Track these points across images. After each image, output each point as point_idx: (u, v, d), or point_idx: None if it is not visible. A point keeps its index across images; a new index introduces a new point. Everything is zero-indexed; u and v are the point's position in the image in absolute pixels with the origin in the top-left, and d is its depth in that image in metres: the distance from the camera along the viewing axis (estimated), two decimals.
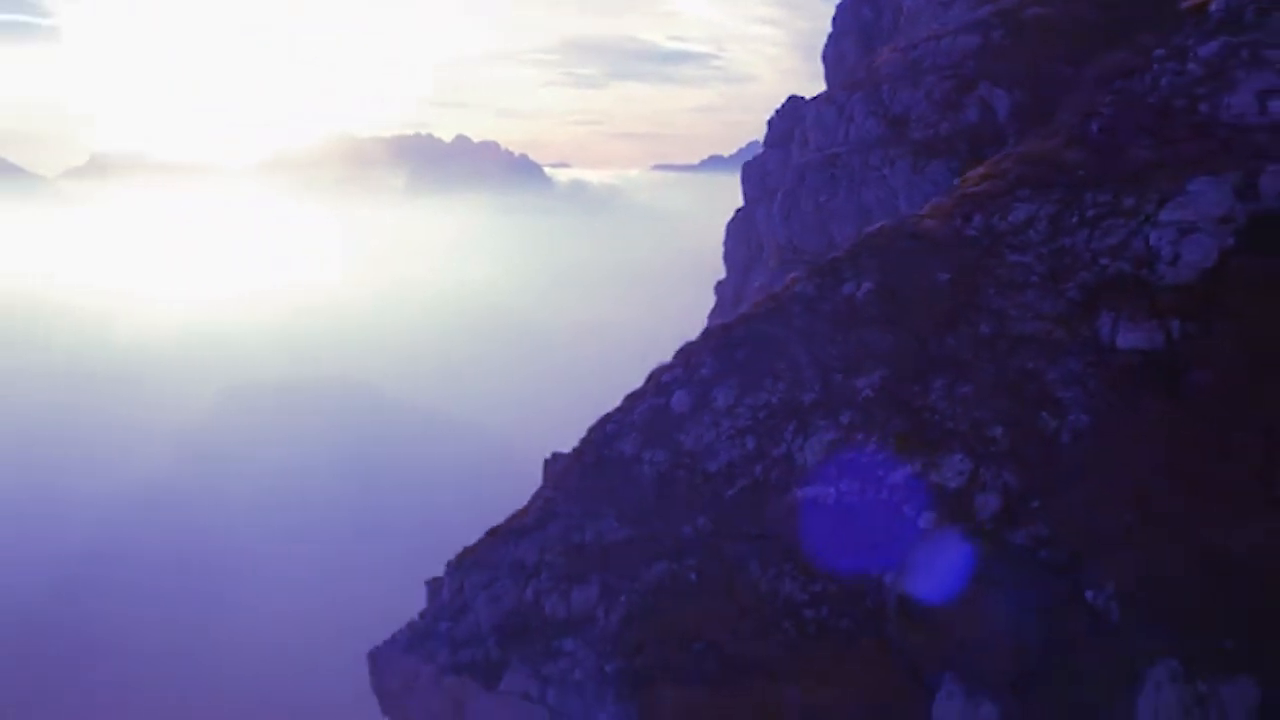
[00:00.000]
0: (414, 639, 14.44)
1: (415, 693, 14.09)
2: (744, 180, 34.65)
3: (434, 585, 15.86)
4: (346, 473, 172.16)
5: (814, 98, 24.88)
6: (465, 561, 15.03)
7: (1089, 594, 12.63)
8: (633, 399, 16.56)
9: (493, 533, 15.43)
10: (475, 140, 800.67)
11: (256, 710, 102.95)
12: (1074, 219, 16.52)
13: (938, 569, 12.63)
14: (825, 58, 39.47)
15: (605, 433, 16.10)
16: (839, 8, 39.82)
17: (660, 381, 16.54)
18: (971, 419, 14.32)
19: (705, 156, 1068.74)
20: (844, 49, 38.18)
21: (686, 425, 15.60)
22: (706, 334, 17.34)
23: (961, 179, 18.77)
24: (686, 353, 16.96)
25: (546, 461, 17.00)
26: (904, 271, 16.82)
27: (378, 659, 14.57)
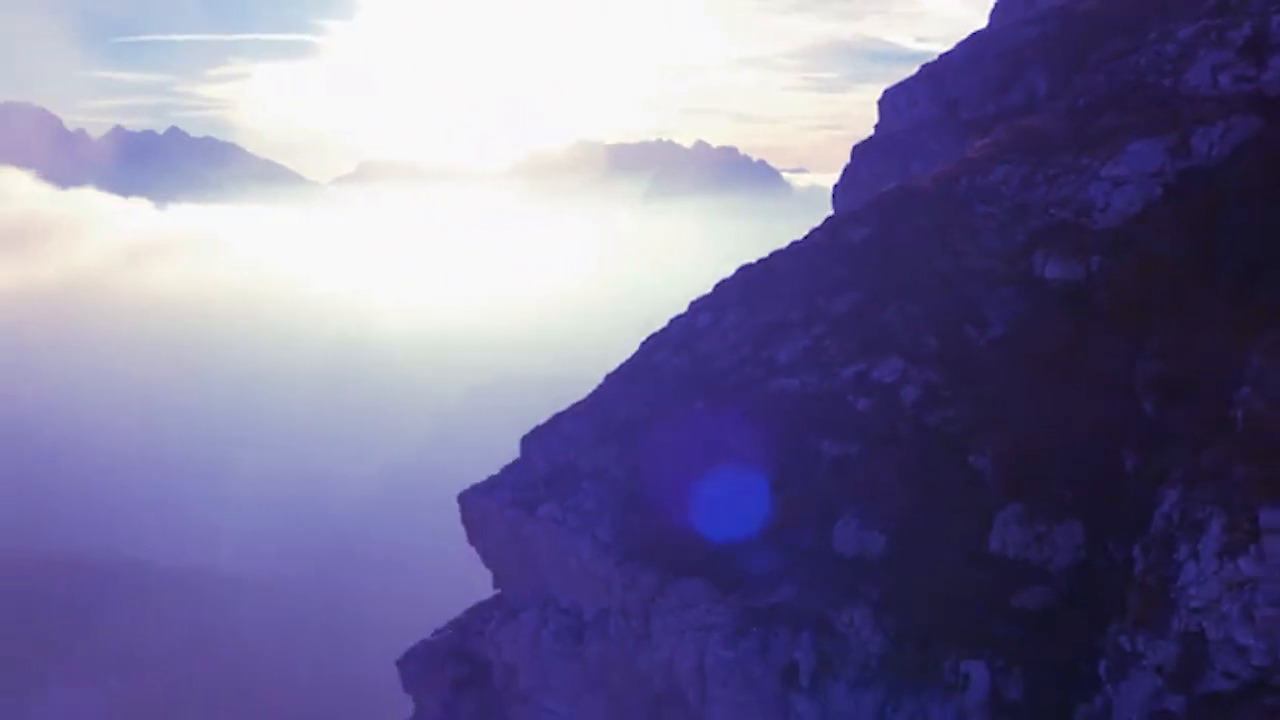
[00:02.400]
0: (489, 487, 19.48)
1: (488, 523, 19.13)
2: None
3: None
4: None
5: (893, 85, 28.36)
6: (533, 432, 19.96)
7: (971, 458, 16.30)
8: (673, 321, 21.07)
9: (557, 415, 20.27)
10: (714, 146, 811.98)
11: None
12: (1039, 177, 19.90)
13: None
14: None
15: (646, 345, 20.71)
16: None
17: (694, 306, 21.00)
18: (913, 331, 18.12)
19: None
20: None
21: (703, 338, 20.00)
22: (739, 270, 21.62)
23: (974, 148, 22.22)
24: (721, 285, 21.33)
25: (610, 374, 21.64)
26: (897, 221, 20.61)
27: (464, 501, 19.67)
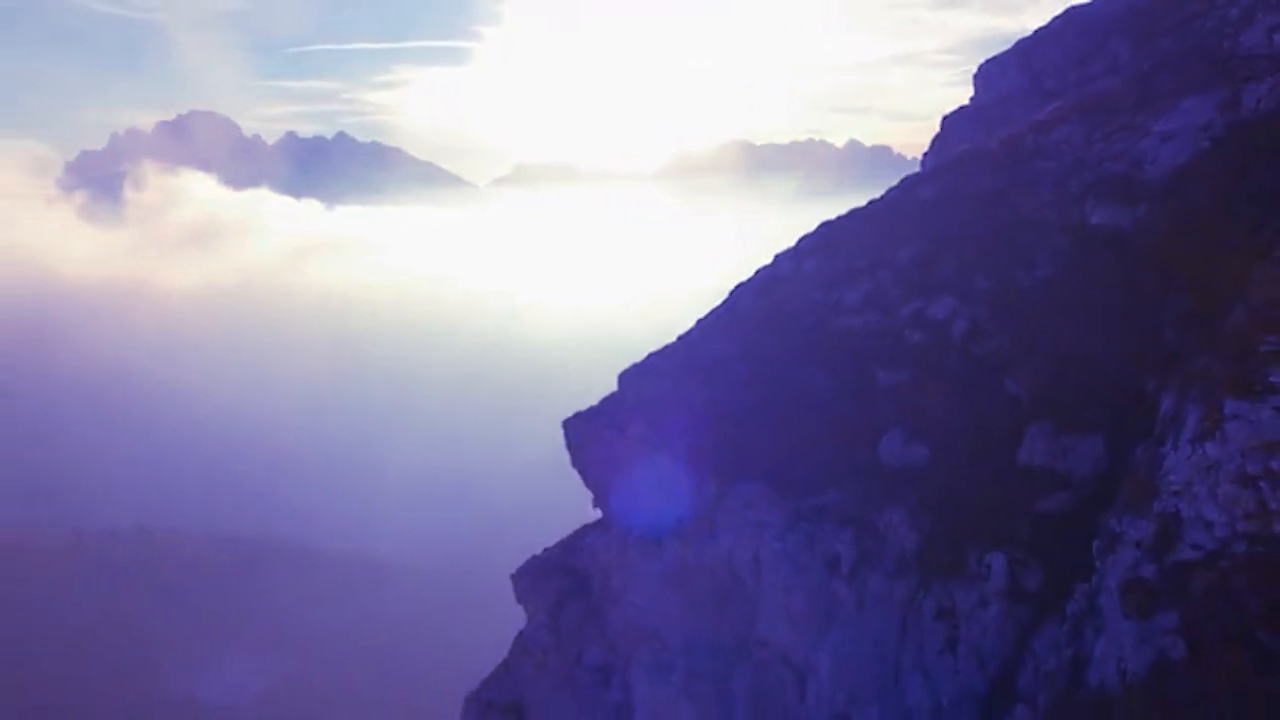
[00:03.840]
0: (589, 414, 21.98)
1: (586, 445, 21.66)
2: None
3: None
4: None
5: (988, 59, 29.67)
6: (629, 369, 22.38)
7: (1008, 382, 17.99)
8: (758, 270, 23.22)
9: (651, 354, 22.63)
10: (867, 145, 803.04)
11: None
12: (1097, 135, 21.29)
13: None
14: None
15: (734, 292, 22.92)
16: None
17: (777, 257, 23.10)
18: (966, 274, 19.85)
19: None
20: None
21: (782, 284, 22.10)
22: (820, 225, 23.61)
23: (1043, 112, 23.66)
24: (803, 239, 23.37)
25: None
26: (964, 179, 22.28)
27: (567, 426, 22.23)
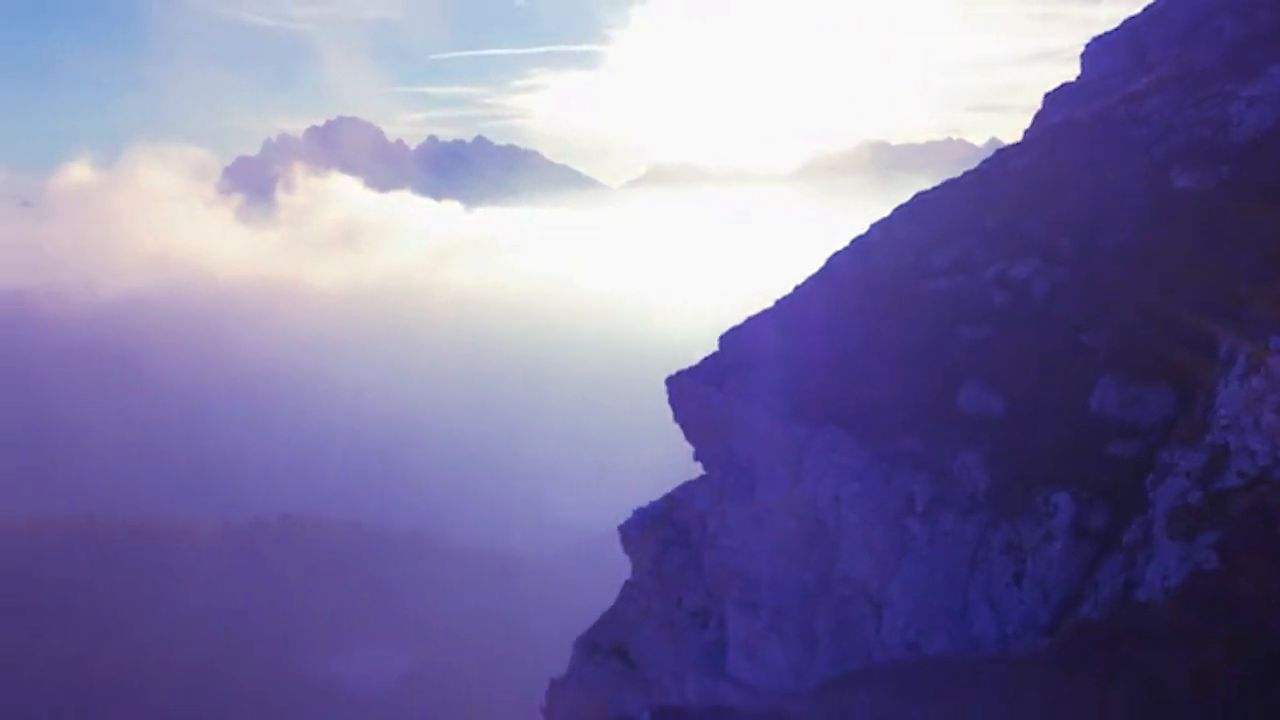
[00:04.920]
0: (689, 371, 23.44)
1: (686, 399, 23.13)
2: None
3: None
4: None
5: (1094, 38, 30.00)
6: (729, 330, 23.77)
7: (1084, 338, 18.76)
8: (854, 239, 24.37)
9: (750, 316, 23.98)
10: (1006, 143, 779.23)
11: None
12: (1188, 102, 21.78)
13: None
14: None
15: (831, 258, 24.11)
16: None
17: (872, 226, 24.19)
18: (1051, 237, 20.64)
19: None
20: None
21: (874, 250, 23.20)
22: (914, 195, 24.58)
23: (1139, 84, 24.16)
24: (899, 208, 24.39)
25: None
26: (1056, 149, 23.01)
27: (669, 382, 23.71)
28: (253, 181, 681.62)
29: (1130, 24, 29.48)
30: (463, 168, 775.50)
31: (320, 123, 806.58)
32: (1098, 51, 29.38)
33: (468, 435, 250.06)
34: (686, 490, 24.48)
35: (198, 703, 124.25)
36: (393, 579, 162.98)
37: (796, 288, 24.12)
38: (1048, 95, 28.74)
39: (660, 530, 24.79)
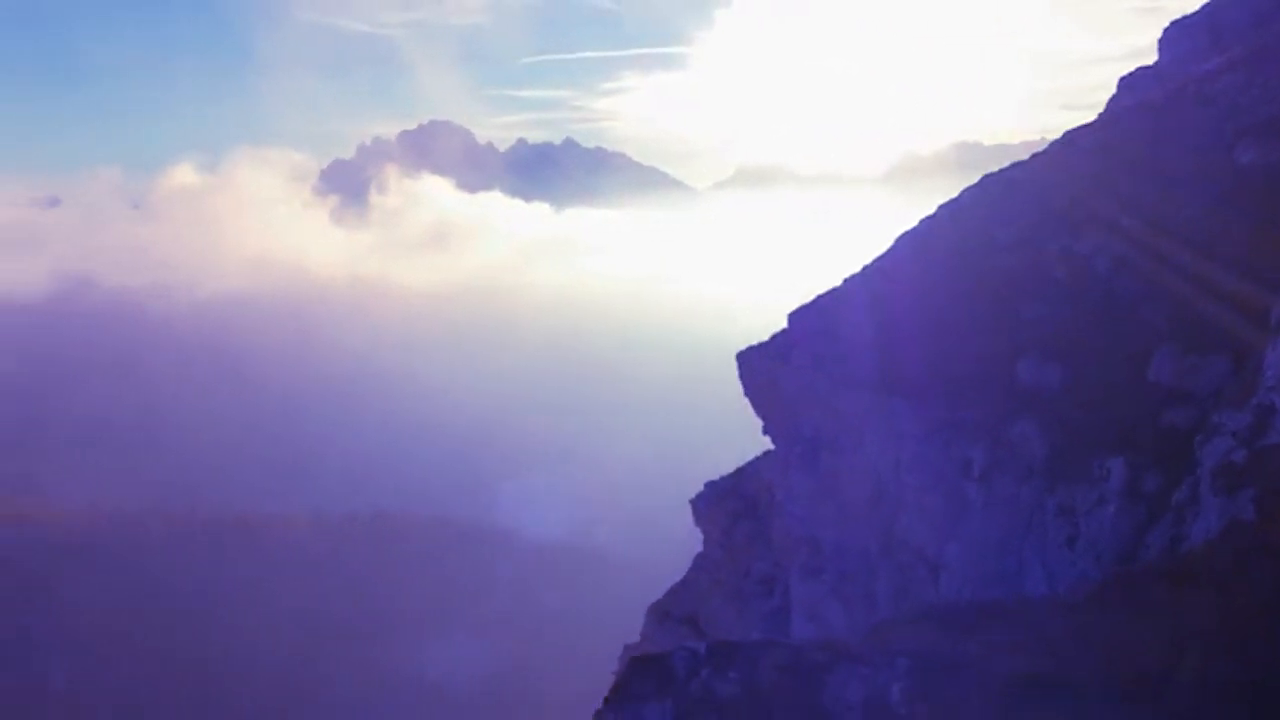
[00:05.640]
0: (758, 347, 24.21)
1: (755, 374, 23.91)
2: None
3: None
4: None
5: (1172, 22, 30.00)
6: (797, 309, 24.48)
7: (1144, 311, 19.13)
8: (921, 220, 24.90)
9: (818, 295, 24.67)
10: None
11: None
12: (1257, 82, 21.92)
13: None
14: None
15: (898, 240, 24.67)
16: None
17: (940, 207, 24.72)
18: (1114, 214, 21.00)
19: None
20: None
21: (941, 229, 23.74)
22: (982, 178, 25.04)
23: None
24: (965, 190, 24.87)
25: None
26: (1125, 129, 23.30)
27: (739, 358, 24.52)
28: (347, 184, 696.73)
29: (1209, 8, 29.48)
30: (551, 169, 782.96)
31: (412, 127, 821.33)
32: (1176, 35, 29.43)
33: (553, 434, 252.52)
34: (755, 464, 25.31)
35: (287, 695, 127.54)
36: (480, 575, 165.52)
37: (864, 267, 24.74)
38: (1122, 79, 28.90)
39: (729, 503, 25.63)
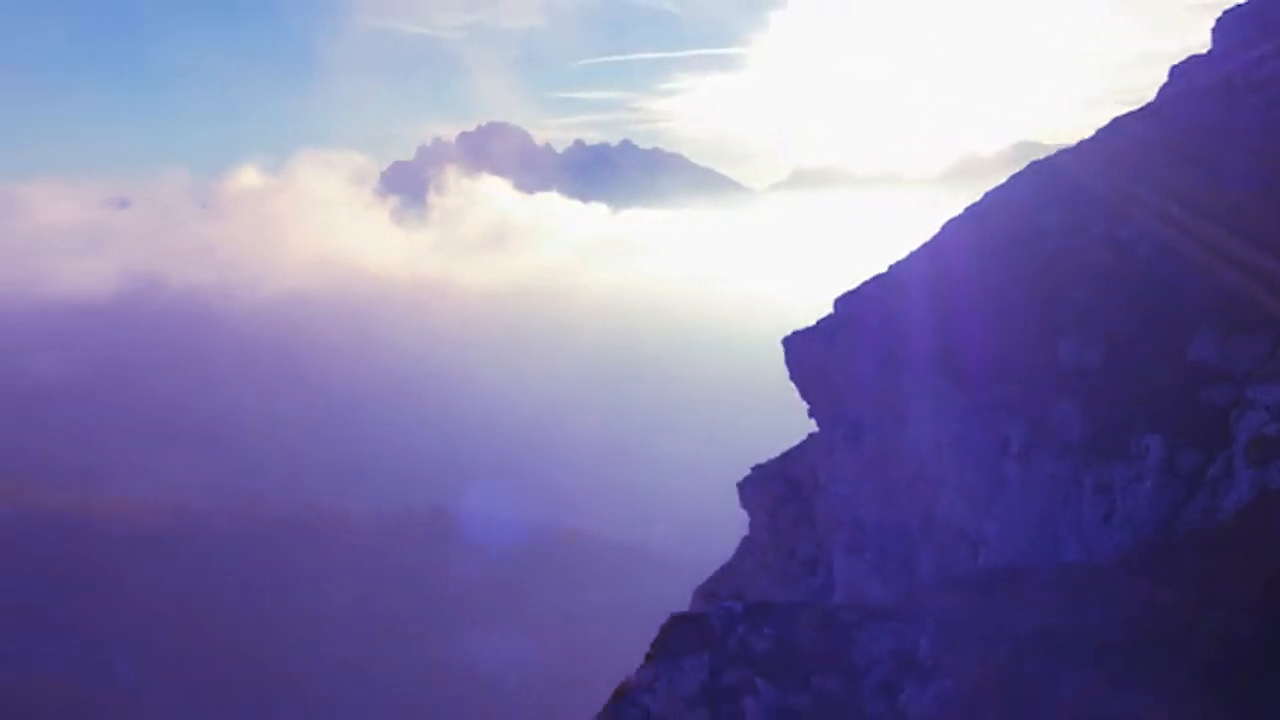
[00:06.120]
0: (805, 332, 24.62)
1: (800, 357, 24.33)
2: None
3: None
4: None
5: (1227, 11, 29.88)
6: (842, 294, 24.85)
7: (1186, 295, 19.27)
8: (967, 207, 25.14)
9: (863, 282, 25.01)
10: None
11: None
12: None
13: None
14: None
15: (945, 226, 24.98)
16: None
17: (986, 194, 24.97)
18: (1160, 198, 21.15)
19: None
20: None
21: (986, 214, 23.99)
22: (1029, 164, 25.25)
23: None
24: (1013, 176, 25.11)
25: None
26: (1172, 116, 23.40)
27: (786, 343, 24.94)
28: (407, 185, 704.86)
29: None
30: (608, 170, 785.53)
31: (471, 128, 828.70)
32: (1228, 24, 29.38)
33: (610, 433, 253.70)
34: (800, 447, 25.70)
35: (344, 689, 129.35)
36: (535, 572, 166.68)
37: (910, 253, 25.06)
38: (1174, 67, 28.90)
39: (775, 485, 26.05)
